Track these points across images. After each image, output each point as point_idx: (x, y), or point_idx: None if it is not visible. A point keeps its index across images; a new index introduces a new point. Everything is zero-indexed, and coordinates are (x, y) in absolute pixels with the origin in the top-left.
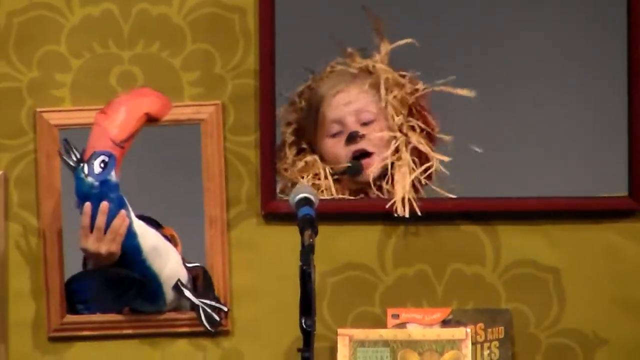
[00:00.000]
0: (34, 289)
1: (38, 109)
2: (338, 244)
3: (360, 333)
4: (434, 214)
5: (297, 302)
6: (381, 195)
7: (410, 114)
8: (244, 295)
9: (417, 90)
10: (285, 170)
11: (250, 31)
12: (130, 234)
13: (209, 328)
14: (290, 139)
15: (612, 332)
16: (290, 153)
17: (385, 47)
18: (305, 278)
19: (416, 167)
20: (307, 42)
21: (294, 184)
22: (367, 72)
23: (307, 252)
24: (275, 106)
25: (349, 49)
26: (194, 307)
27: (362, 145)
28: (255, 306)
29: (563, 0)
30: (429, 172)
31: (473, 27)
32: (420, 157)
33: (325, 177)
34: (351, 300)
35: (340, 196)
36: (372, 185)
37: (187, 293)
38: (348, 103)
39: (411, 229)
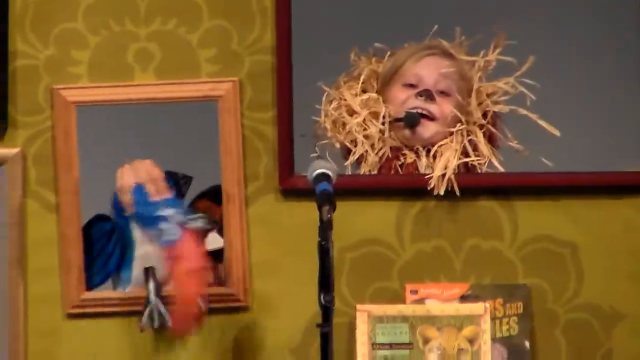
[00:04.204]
0: (52, 265)
1: (55, 86)
2: (356, 220)
3: (378, 309)
4: (451, 189)
5: (315, 278)
6: (418, 162)
7: (484, 115)
8: (262, 271)
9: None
10: (351, 96)
11: (266, 8)
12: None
13: (145, 323)
14: (365, 75)
15: (630, 307)
16: (358, 85)
17: (494, 56)
18: (324, 254)
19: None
20: (324, 19)
21: (350, 113)
22: (465, 63)
23: (325, 228)
24: (292, 82)
25: (463, 37)
26: (146, 301)
27: (429, 106)
28: (274, 282)
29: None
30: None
31: None
32: (474, 151)
33: (383, 117)
34: (369, 276)
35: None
36: (419, 147)
37: (151, 285)
38: (436, 67)
39: (429, 204)
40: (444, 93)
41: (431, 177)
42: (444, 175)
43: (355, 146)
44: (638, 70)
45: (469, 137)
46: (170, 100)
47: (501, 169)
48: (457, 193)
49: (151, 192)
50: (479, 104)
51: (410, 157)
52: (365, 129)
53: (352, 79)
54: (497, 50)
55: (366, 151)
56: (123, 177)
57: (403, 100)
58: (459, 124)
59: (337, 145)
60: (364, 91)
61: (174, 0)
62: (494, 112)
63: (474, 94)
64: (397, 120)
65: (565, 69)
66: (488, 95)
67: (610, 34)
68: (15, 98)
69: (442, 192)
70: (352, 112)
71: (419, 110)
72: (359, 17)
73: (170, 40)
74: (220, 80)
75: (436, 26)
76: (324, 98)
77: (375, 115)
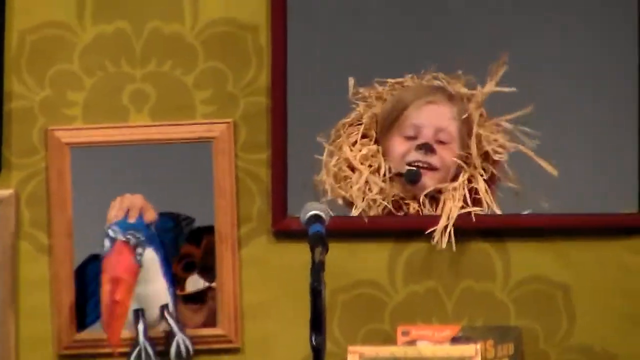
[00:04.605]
0: (44, 306)
1: (50, 127)
2: (349, 262)
3: (370, 350)
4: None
5: (307, 319)
6: (421, 213)
7: (485, 158)
8: (254, 313)
9: (503, 142)
10: (350, 149)
11: (262, 49)
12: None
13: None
14: (365, 120)
15: (622, 348)
16: (355, 133)
17: (490, 86)
18: (316, 295)
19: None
20: (320, 60)
21: (351, 168)
22: (462, 99)
23: (317, 269)
24: (287, 124)
25: (460, 72)
26: (169, 337)
27: (430, 159)
28: (266, 323)
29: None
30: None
31: None
32: (471, 194)
33: (384, 174)
34: (361, 318)
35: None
36: (421, 199)
37: (171, 320)
38: (436, 116)
39: (421, 246)
40: (444, 142)
41: (434, 230)
42: (446, 227)
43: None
44: (633, 112)
45: (471, 185)
46: (165, 141)
47: (498, 212)
48: (454, 248)
49: (130, 217)
50: (480, 146)
51: (414, 206)
52: (365, 193)
53: (351, 124)
54: (497, 77)
55: (369, 206)
56: (112, 207)
57: (403, 153)
58: (462, 172)
59: (340, 201)
60: (363, 136)
61: (169, 41)
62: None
63: (473, 139)
64: (398, 175)
65: (561, 111)
66: (488, 140)
67: (606, 76)
68: (10, 139)
69: (444, 246)
70: (353, 167)
71: (420, 164)
72: (355, 55)
73: (166, 82)
74: (215, 121)
75: (435, 65)
76: (324, 156)
77: (375, 170)
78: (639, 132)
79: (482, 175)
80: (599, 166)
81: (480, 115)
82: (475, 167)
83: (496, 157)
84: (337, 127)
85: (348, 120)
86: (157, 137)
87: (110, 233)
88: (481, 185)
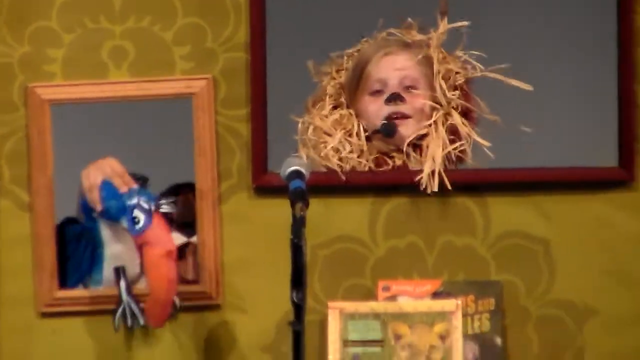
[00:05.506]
0: (25, 264)
1: (30, 84)
2: (329, 217)
3: (350, 306)
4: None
5: (288, 276)
6: (408, 163)
7: (455, 90)
8: (235, 269)
9: (467, 72)
10: (321, 119)
11: (240, 4)
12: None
13: (119, 322)
14: (330, 90)
15: (603, 303)
16: (327, 104)
17: (444, 26)
18: (296, 251)
19: (449, 144)
20: (299, 15)
21: (327, 134)
22: (421, 46)
23: (298, 225)
24: (266, 79)
25: (409, 20)
26: (118, 301)
27: (401, 107)
28: (247, 279)
29: None
30: (459, 150)
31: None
32: (454, 135)
33: (357, 134)
34: (342, 273)
35: (362, 161)
36: (404, 149)
37: (122, 285)
38: (395, 66)
39: (401, 201)
40: (411, 87)
41: (421, 177)
42: (434, 171)
43: (342, 165)
44: (613, 65)
45: (448, 122)
46: (144, 97)
47: (486, 144)
48: (449, 187)
49: (119, 185)
50: (448, 82)
51: (399, 158)
52: (340, 152)
53: (320, 99)
54: (445, 19)
55: (353, 167)
56: (89, 176)
57: (374, 110)
58: (434, 112)
59: (324, 169)
60: (335, 107)
61: None
62: (463, 86)
63: (437, 77)
64: (375, 132)
65: (540, 61)
66: (453, 72)
67: (586, 35)
68: None
69: (435, 189)
70: (328, 134)
71: (393, 115)
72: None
73: (145, 38)
74: (195, 77)
75: (381, 20)
76: (299, 126)
77: (351, 133)
78: (618, 85)
79: (455, 109)
80: (579, 120)
81: (443, 57)
82: (448, 104)
83: (460, 80)
84: (306, 104)
85: (315, 96)
86: (136, 94)
87: (145, 205)
88: (457, 119)
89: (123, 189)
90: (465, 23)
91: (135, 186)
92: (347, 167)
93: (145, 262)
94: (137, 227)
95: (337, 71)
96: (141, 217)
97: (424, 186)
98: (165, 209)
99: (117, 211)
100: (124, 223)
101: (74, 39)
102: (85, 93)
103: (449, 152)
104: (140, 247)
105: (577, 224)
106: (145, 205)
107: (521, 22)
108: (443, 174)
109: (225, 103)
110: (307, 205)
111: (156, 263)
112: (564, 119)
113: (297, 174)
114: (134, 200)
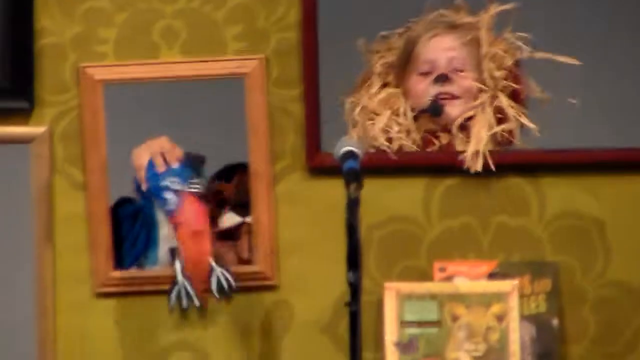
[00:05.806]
0: (80, 243)
1: (82, 64)
2: (384, 197)
3: (406, 286)
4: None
5: (343, 256)
6: (454, 141)
7: (504, 76)
8: (290, 249)
9: (515, 53)
10: (369, 98)
11: None
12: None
13: (173, 303)
14: (379, 69)
15: None
16: (375, 83)
17: (494, 8)
18: (351, 231)
19: (495, 125)
20: None
21: (375, 114)
22: (468, 28)
23: (352, 206)
24: (319, 59)
25: (459, 1)
26: (173, 281)
27: (449, 88)
28: (302, 260)
29: None
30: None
31: None
32: (501, 118)
33: (405, 113)
34: (397, 254)
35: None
36: (452, 129)
37: (177, 265)
38: (444, 47)
39: (456, 181)
40: (459, 69)
41: (465, 156)
42: (477, 151)
43: (390, 144)
44: None
45: (495, 104)
46: (196, 78)
47: (532, 126)
48: (493, 168)
49: (159, 164)
50: (496, 64)
51: (445, 138)
52: (388, 132)
53: (368, 77)
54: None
55: (400, 147)
56: (140, 156)
57: (422, 90)
58: (481, 94)
59: (372, 150)
60: (384, 85)
61: None
62: (512, 68)
63: (485, 59)
64: (422, 111)
65: (587, 43)
66: (501, 54)
67: (637, 2)
68: (42, 77)
69: (479, 169)
70: (376, 113)
71: (441, 96)
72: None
73: (196, 18)
74: (247, 57)
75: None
76: (347, 106)
77: (398, 112)
78: None
79: (502, 91)
80: (636, 100)
81: (491, 40)
82: (496, 87)
83: (509, 63)
84: (354, 84)
85: (364, 74)
86: (188, 74)
87: (172, 185)
88: (503, 101)
89: (161, 169)
90: (513, 5)
91: (174, 165)
92: (395, 146)
93: (177, 242)
94: (167, 207)
95: (387, 50)
96: (171, 197)
97: (466, 166)
98: (195, 189)
99: (154, 192)
100: (160, 203)
101: (125, 19)
102: (137, 73)
103: (496, 133)
104: (173, 227)
105: (632, 205)
106: (176, 186)
107: (569, 2)
108: (487, 155)
109: (277, 83)
110: (361, 185)
111: (187, 243)
112: (620, 99)
113: (351, 154)
114: (167, 181)
